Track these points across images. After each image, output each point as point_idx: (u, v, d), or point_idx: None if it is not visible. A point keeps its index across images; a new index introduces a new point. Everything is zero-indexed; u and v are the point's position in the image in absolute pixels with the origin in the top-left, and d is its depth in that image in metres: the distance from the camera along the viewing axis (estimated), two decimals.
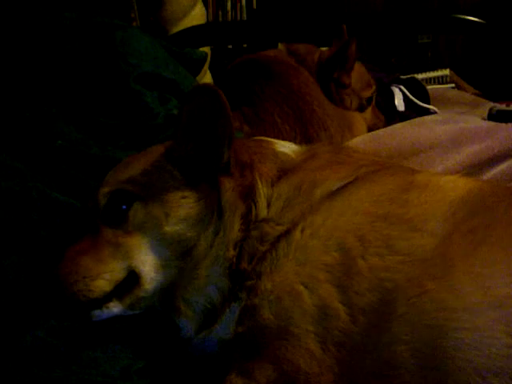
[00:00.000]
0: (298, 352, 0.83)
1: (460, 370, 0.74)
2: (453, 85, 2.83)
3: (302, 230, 0.91)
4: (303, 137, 1.59)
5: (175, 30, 2.22)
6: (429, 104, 2.24)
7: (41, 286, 0.95)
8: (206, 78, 2.37)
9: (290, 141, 1.23)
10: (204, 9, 2.47)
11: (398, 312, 0.79)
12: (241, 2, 3.52)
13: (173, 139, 1.06)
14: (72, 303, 0.93)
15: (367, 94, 2.01)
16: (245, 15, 3.56)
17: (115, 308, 0.96)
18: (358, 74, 1.99)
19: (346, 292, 0.83)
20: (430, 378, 0.76)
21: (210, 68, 2.41)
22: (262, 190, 0.99)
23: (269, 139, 1.16)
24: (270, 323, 0.86)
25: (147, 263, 0.96)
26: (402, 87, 2.24)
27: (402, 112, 2.17)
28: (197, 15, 2.32)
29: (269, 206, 0.98)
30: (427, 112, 2.16)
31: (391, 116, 2.12)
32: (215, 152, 0.99)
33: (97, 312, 0.95)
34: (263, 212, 0.97)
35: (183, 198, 0.98)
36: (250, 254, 0.96)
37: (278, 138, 1.25)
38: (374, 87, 2.04)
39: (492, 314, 0.75)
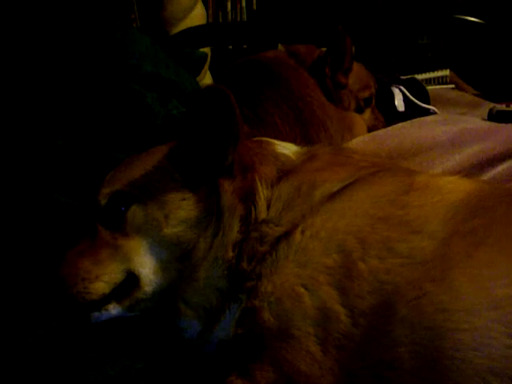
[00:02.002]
0: (298, 354, 0.83)
1: (460, 371, 0.74)
2: (453, 85, 2.82)
3: (302, 232, 0.91)
4: (303, 138, 1.59)
5: (175, 30, 2.22)
6: (429, 104, 2.24)
7: (41, 287, 0.95)
8: (206, 78, 2.37)
9: (289, 142, 1.22)
10: (204, 9, 2.47)
11: (398, 314, 0.79)
12: (241, 3, 3.52)
13: (175, 139, 1.06)
14: (71, 305, 0.93)
15: (364, 95, 2.00)
16: (245, 16, 3.56)
17: (114, 310, 0.96)
18: (357, 75, 1.98)
19: (346, 294, 0.83)
20: (430, 379, 0.76)
21: (210, 69, 2.41)
22: (262, 192, 0.99)
23: (269, 140, 1.16)
24: (271, 325, 0.86)
25: (146, 265, 0.96)
26: (402, 87, 2.24)
27: (401, 112, 2.16)
28: (197, 16, 2.32)
29: (268, 207, 0.98)
30: (427, 112, 2.16)
31: (391, 116, 2.12)
32: (220, 153, 0.99)
33: (96, 314, 0.95)
34: (263, 213, 0.97)
35: (183, 199, 0.98)
36: (249, 255, 0.96)
37: (278, 138, 1.25)
38: (372, 89, 2.04)
39: (491, 314, 0.75)
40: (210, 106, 0.95)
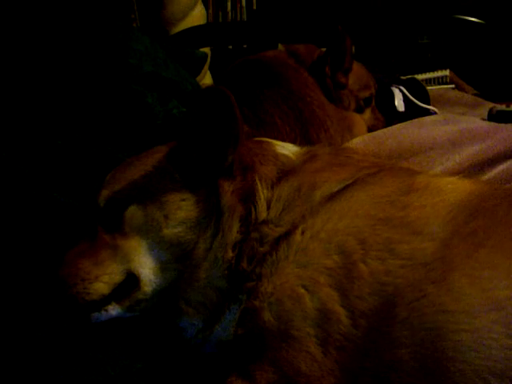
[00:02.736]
0: (298, 355, 0.83)
1: (460, 372, 0.74)
2: (453, 85, 2.82)
3: (303, 233, 0.91)
4: (303, 138, 1.59)
5: (175, 30, 2.22)
6: (429, 105, 2.23)
7: (41, 288, 0.95)
8: (206, 78, 2.37)
9: (290, 142, 1.23)
10: (204, 9, 2.47)
11: (398, 316, 0.79)
12: (241, 3, 3.51)
13: (175, 140, 1.06)
14: (71, 305, 0.94)
15: (365, 94, 2.00)
16: (245, 16, 3.56)
17: (114, 310, 0.96)
18: (357, 75, 1.98)
19: (346, 296, 0.84)
20: (430, 379, 0.76)
21: (210, 68, 2.41)
22: (262, 192, 0.99)
23: (269, 140, 1.16)
24: (271, 326, 0.86)
25: (146, 266, 0.96)
26: (402, 88, 2.23)
27: (401, 112, 2.16)
28: (197, 16, 2.32)
29: (268, 207, 0.98)
30: (427, 113, 2.15)
31: (391, 116, 2.11)
32: (220, 154, 0.99)
33: (96, 314, 0.95)
34: (263, 214, 0.97)
35: (182, 200, 0.98)
36: (249, 256, 0.96)
37: (278, 138, 1.25)
38: (372, 88, 2.04)
39: (491, 315, 0.75)
40: (211, 107, 0.95)
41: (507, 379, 0.72)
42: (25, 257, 0.99)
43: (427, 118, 1.88)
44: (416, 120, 1.83)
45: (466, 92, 2.78)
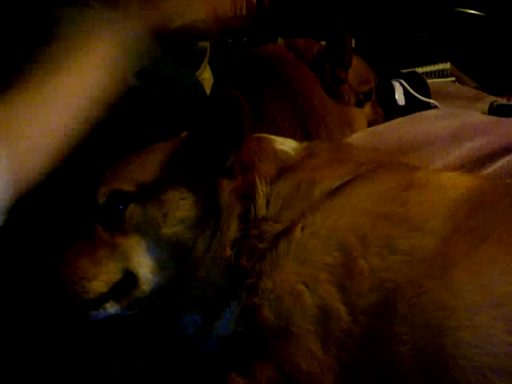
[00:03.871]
0: (298, 352, 0.83)
1: (461, 369, 0.74)
2: (453, 79, 2.81)
3: (302, 229, 0.91)
4: (303, 133, 1.58)
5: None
6: (429, 98, 2.22)
7: (40, 286, 0.95)
8: (206, 72, 2.36)
9: (289, 137, 1.22)
10: None
11: (398, 312, 0.79)
12: None
13: (176, 138, 1.06)
14: (70, 304, 0.94)
15: (365, 89, 1.98)
16: (244, 10, 3.54)
17: (112, 309, 0.96)
18: (356, 70, 1.96)
19: (346, 292, 0.83)
20: (430, 377, 0.76)
21: (209, 62, 2.40)
22: (261, 190, 0.99)
23: (268, 136, 1.16)
24: (270, 323, 0.86)
25: (144, 265, 0.96)
26: (403, 81, 2.22)
27: (402, 106, 2.15)
28: None
29: (268, 204, 0.98)
30: (428, 106, 2.14)
31: (391, 110, 2.10)
32: (221, 155, 0.99)
33: (94, 312, 0.95)
34: (262, 211, 0.97)
35: (182, 199, 0.98)
36: (249, 252, 0.95)
37: (277, 134, 1.24)
38: (372, 83, 2.03)
39: (492, 312, 0.75)
40: (221, 111, 0.95)
41: (508, 375, 0.72)
42: (24, 256, 0.99)
43: (428, 112, 1.87)
44: (416, 114, 1.82)
45: (467, 85, 2.77)
